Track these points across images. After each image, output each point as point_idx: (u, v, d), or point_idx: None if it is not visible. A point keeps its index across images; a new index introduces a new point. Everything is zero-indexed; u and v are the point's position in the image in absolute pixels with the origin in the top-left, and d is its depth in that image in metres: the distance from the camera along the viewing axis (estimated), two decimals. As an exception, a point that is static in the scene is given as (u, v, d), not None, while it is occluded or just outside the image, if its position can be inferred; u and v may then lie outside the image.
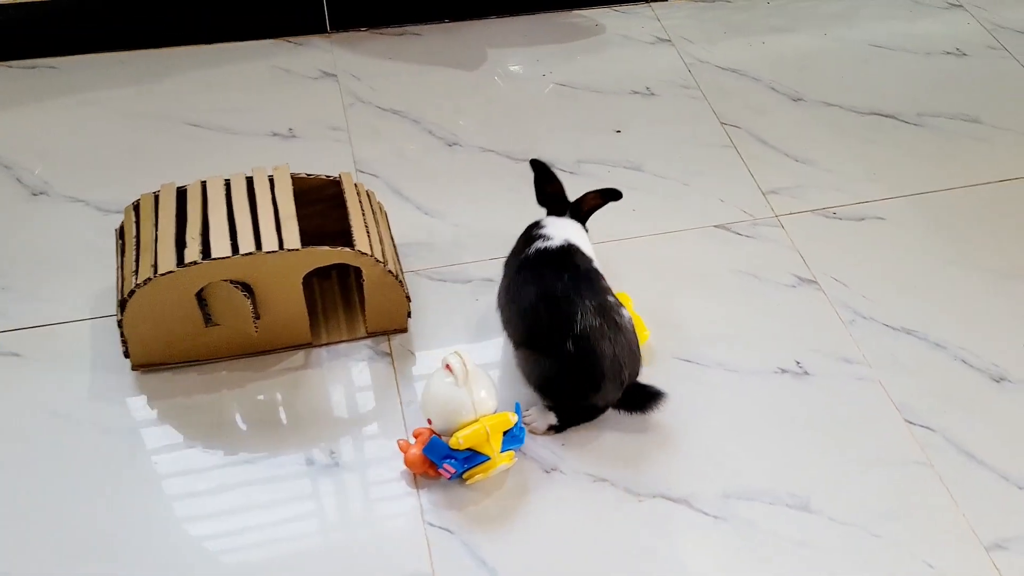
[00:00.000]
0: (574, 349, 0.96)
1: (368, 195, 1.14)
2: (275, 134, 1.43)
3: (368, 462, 1.02)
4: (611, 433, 1.05)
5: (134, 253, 1.01)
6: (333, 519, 0.97)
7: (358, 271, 1.07)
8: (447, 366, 0.97)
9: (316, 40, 1.62)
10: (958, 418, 1.09)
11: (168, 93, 1.48)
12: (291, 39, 1.62)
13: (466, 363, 0.96)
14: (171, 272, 0.96)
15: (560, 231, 1.07)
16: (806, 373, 1.14)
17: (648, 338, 1.13)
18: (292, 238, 0.99)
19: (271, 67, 1.55)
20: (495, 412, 0.99)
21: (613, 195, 1.12)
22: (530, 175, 1.39)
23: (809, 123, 1.52)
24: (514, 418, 0.98)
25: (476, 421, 0.96)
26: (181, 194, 1.05)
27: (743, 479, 1.02)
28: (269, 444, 1.03)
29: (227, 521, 0.96)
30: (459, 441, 0.94)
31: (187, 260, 0.96)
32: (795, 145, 1.48)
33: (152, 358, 1.05)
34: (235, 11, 1.57)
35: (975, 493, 1.02)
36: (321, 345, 1.12)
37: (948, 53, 1.69)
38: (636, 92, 1.57)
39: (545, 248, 1.04)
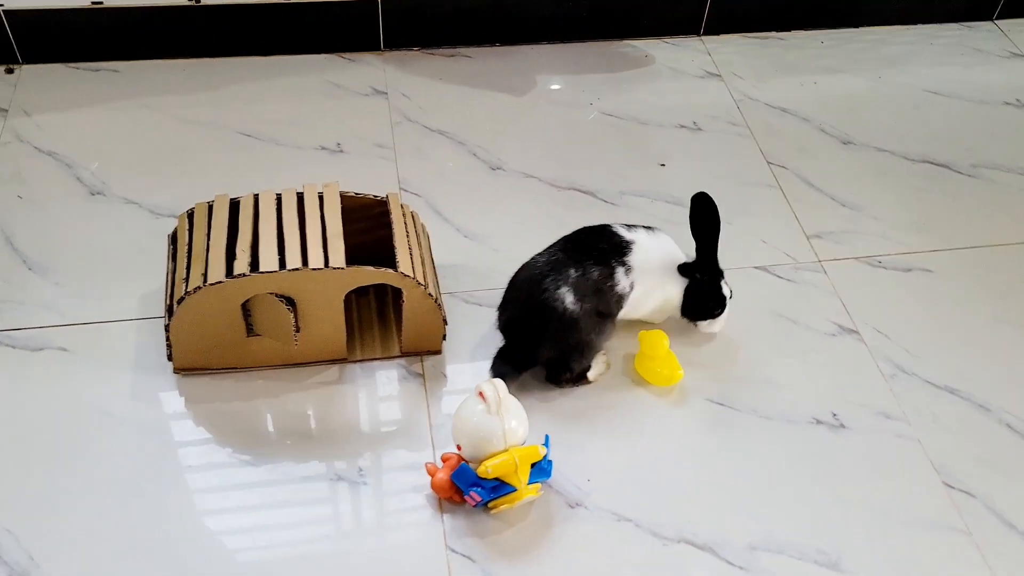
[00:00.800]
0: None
1: (413, 216, 1.16)
2: (323, 148, 1.46)
3: (394, 482, 1.03)
4: (638, 472, 1.06)
5: (186, 261, 1.04)
6: (354, 535, 0.99)
7: (396, 291, 1.09)
8: (480, 393, 0.98)
9: (369, 57, 1.66)
10: (1000, 485, 1.07)
11: (223, 102, 1.52)
12: (345, 55, 1.65)
13: (499, 392, 0.97)
14: (220, 283, 0.99)
15: (655, 243, 1.12)
16: (842, 426, 1.13)
17: (681, 378, 1.14)
18: (338, 257, 1.01)
19: (323, 81, 1.59)
20: (525, 443, 0.99)
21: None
22: (571, 203, 1.40)
23: (858, 168, 1.51)
24: (543, 451, 0.98)
25: (505, 451, 0.96)
26: (234, 206, 1.08)
27: (771, 531, 1.01)
28: (298, 454, 1.04)
29: (246, 527, 0.98)
30: (487, 470, 0.95)
31: (236, 272, 0.99)
32: (842, 189, 1.47)
33: (194, 363, 1.08)
34: (292, 25, 1.61)
35: (1015, 566, 1.00)
36: (355, 361, 1.14)
37: (1007, 103, 1.67)
38: (683, 126, 1.58)
39: (616, 233, 1.11)
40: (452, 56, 1.68)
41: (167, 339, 1.05)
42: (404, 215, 1.13)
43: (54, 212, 1.32)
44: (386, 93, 1.58)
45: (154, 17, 1.54)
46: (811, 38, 1.81)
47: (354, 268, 1.01)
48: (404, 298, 1.06)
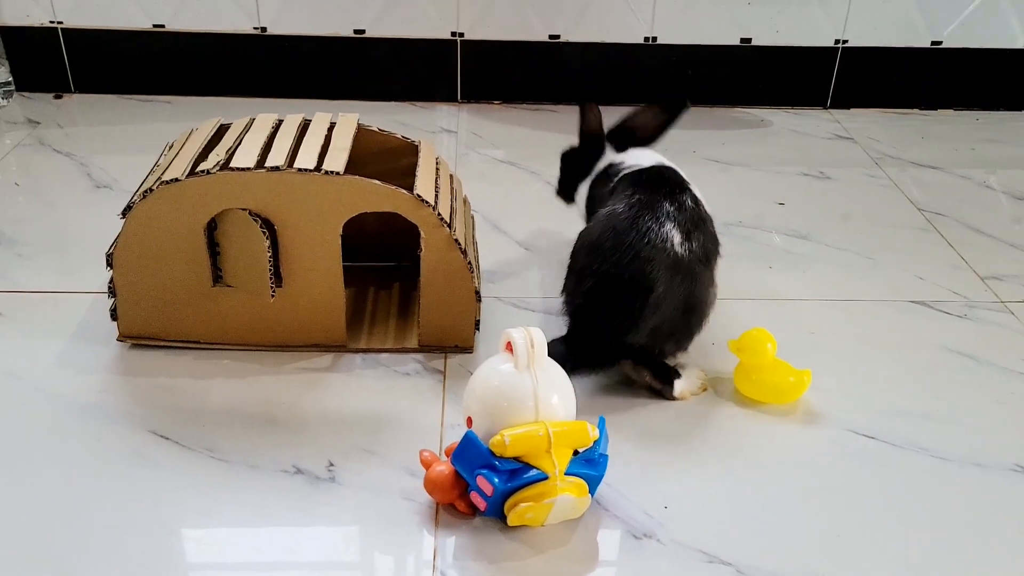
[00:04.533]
0: None
1: (451, 177, 0.97)
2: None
3: (374, 480, 0.75)
4: (739, 506, 0.73)
5: (144, 179, 0.87)
6: (306, 545, 0.69)
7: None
8: (507, 345, 0.71)
9: (444, 107, 1.58)
10: None
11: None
12: (418, 103, 1.59)
13: (535, 341, 0.70)
14: (176, 181, 0.80)
15: (644, 158, 0.92)
16: (1067, 480, 0.78)
17: (809, 384, 0.84)
18: (335, 163, 0.82)
19: (391, 120, 1.50)
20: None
21: (679, 106, 0.95)
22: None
23: (1043, 220, 1.25)
24: (595, 433, 0.69)
25: (536, 423, 0.68)
26: (223, 128, 0.92)
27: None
28: (255, 446, 0.78)
29: (149, 526, 0.71)
30: (504, 440, 0.66)
31: (200, 168, 0.80)
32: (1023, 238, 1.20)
33: (144, 327, 0.87)
34: (363, 76, 1.56)
35: None
36: (357, 351, 0.90)
37: None
38: (806, 174, 1.38)
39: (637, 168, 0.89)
40: (535, 110, 1.58)
41: (110, 285, 0.86)
42: (438, 164, 0.94)
43: (51, 200, 1.21)
44: (455, 132, 1.47)
45: (216, 47, 1.52)
46: (963, 116, 1.62)
47: (352, 178, 0.80)
48: (422, 243, 0.84)
